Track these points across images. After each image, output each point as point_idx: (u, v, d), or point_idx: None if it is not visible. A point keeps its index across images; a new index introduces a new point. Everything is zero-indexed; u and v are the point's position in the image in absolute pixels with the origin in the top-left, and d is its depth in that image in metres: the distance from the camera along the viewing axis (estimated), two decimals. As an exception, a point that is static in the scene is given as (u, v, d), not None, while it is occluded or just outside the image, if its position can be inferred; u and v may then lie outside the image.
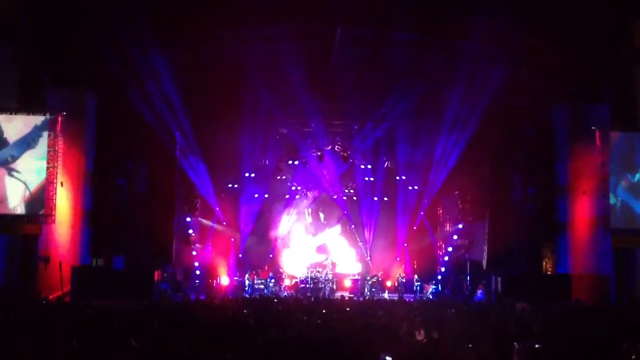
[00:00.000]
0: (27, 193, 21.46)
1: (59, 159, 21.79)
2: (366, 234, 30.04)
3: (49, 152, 21.55)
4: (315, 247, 30.56)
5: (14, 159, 21.47)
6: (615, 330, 11.16)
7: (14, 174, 21.40)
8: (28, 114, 21.71)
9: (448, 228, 30.06)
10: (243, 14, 21.25)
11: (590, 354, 8.52)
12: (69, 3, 21.41)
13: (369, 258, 29.96)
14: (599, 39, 21.96)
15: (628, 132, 22.58)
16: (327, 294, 26.37)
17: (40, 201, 21.47)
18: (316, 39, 23.23)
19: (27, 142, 21.58)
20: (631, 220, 22.22)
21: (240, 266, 28.98)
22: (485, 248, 26.82)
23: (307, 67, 23.50)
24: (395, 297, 25.73)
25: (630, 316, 14.97)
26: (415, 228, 30.21)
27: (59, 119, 21.78)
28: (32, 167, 21.61)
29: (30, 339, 8.69)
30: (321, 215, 31.07)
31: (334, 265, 29.43)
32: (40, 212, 21.45)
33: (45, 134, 21.52)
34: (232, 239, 29.55)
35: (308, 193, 30.55)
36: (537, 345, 7.36)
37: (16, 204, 21.34)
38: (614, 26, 22.26)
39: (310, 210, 30.87)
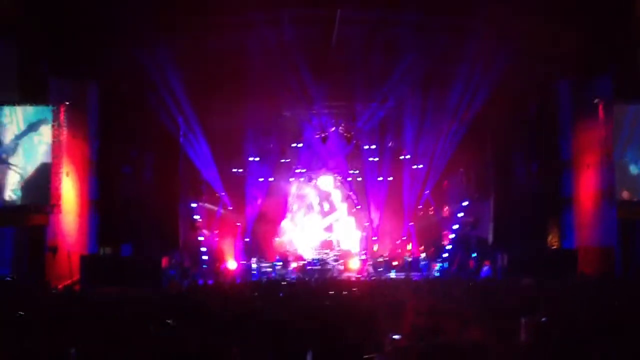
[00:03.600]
0: (21, 180, 21.65)
1: (63, 149, 21.91)
2: (372, 214, 30.12)
3: (53, 142, 21.63)
4: (322, 229, 30.70)
5: (13, 152, 21.69)
6: (621, 302, 11.24)
7: (13, 167, 21.62)
8: (30, 104, 21.81)
9: (453, 206, 30.09)
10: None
11: (596, 327, 8.59)
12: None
13: (375, 238, 30.08)
14: (604, 12, 21.78)
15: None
16: (334, 275, 26.53)
17: (35, 188, 21.63)
18: (318, 21, 23.12)
19: (26, 134, 21.77)
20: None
21: (247, 250, 29.12)
22: (491, 225, 26.87)
23: (310, 49, 23.45)
24: (402, 276, 25.83)
25: (636, 288, 15.03)
26: (420, 207, 30.29)
27: (62, 109, 21.86)
28: (28, 157, 21.77)
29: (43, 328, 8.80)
30: (325, 205, 31.09)
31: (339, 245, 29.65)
32: (33, 199, 21.61)
33: (45, 124, 21.66)
34: (239, 224, 29.67)
35: (313, 176, 30.63)
36: (543, 319, 7.42)
37: (10, 192, 21.57)
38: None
39: (317, 197, 30.94)
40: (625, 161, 22.55)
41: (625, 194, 22.47)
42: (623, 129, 22.49)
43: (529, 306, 10.82)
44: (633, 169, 22.57)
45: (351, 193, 30.67)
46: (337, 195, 31.08)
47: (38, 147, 21.76)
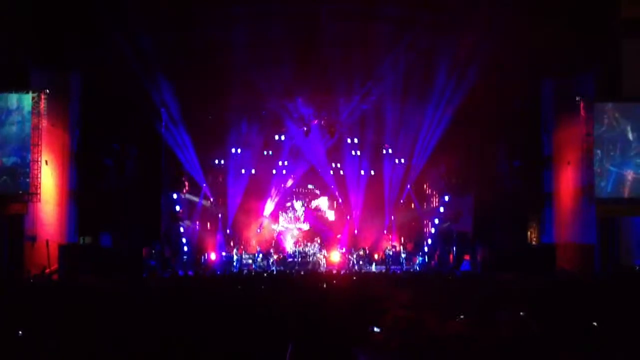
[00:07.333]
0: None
1: (42, 137, 21.71)
2: (353, 207, 30.17)
3: (32, 130, 21.46)
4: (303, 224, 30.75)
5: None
6: (599, 299, 11.34)
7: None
8: (11, 92, 21.59)
9: (434, 200, 30.22)
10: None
11: (574, 323, 8.66)
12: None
13: (356, 231, 30.14)
14: (587, 10, 21.92)
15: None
16: (315, 267, 26.56)
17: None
18: (302, 15, 23.07)
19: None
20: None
21: (228, 242, 29.09)
22: (471, 219, 27.02)
23: (293, 42, 23.38)
24: (383, 269, 25.94)
25: (614, 285, 15.17)
26: (402, 201, 30.39)
27: (42, 97, 21.65)
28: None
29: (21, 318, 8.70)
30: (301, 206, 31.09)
31: (321, 237, 29.73)
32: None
33: (18, 111, 21.47)
34: (220, 215, 29.63)
35: (295, 172, 30.61)
36: (521, 314, 7.46)
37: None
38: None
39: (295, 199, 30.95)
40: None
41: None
42: (614, 129, 22.65)
43: (508, 301, 10.89)
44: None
45: (332, 186, 30.67)
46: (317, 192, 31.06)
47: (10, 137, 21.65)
